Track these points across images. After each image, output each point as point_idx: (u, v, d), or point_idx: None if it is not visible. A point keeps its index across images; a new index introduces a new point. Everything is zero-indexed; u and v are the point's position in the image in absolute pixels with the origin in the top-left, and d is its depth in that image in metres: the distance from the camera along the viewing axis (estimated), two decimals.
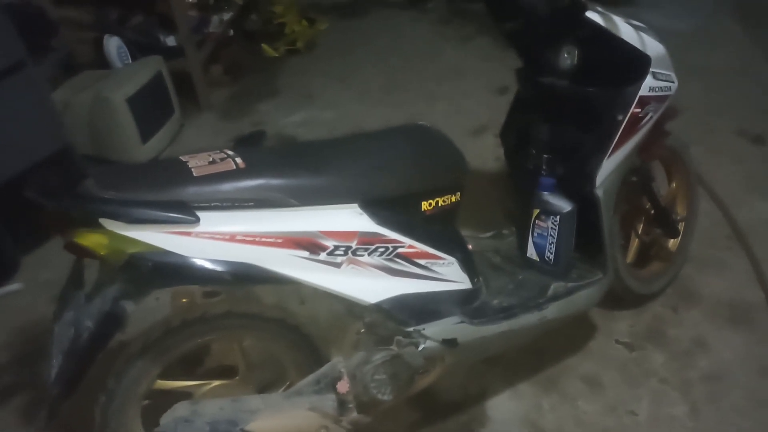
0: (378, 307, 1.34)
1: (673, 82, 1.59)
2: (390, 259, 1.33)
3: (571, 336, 1.92)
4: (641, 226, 1.93)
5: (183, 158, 1.25)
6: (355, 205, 1.29)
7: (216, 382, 1.46)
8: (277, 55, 3.84)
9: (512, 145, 1.78)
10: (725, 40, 3.73)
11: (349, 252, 1.27)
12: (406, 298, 1.37)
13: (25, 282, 2.27)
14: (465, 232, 2.05)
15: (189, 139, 3.11)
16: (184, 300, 1.46)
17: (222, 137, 3.02)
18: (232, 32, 3.72)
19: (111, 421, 1.34)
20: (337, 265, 1.27)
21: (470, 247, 1.63)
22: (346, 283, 1.29)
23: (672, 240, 2.03)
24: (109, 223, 1.11)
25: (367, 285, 1.32)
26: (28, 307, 2.13)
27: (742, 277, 2.13)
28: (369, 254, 1.30)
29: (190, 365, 1.52)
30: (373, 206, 1.31)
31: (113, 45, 3.02)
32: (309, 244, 1.23)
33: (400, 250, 1.34)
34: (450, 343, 1.43)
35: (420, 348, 1.39)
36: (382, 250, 1.31)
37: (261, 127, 3.22)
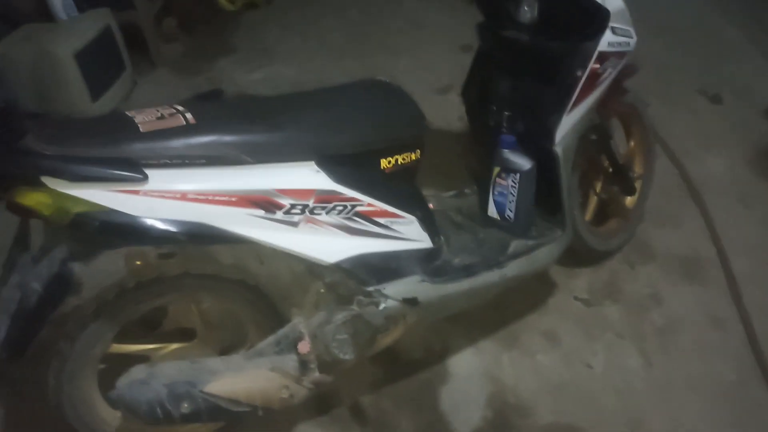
0: (337, 267, 1.32)
1: (632, 38, 1.58)
2: (349, 218, 1.31)
3: (531, 293, 1.95)
4: (599, 184, 1.95)
5: (129, 113, 1.19)
6: (312, 162, 1.26)
7: (174, 345, 1.44)
8: (233, 8, 3.67)
9: (474, 102, 1.76)
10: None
11: (306, 210, 1.25)
12: (365, 257, 1.35)
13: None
14: (427, 192, 2.04)
15: (143, 97, 2.98)
16: (138, 262, 1.42)
17: (177, 94, 2.89)
18: None
19: (65, 386, 1.32)
20: (295, 224, 1.24)
21: (431, 206, 1.62)
22: (304, 242, 1.27)
23: (629, 197, 2.06)
24: (51, 181, 1.06)
25: (326, 244, 1.30)
26: None
27: (695, 232, 2.19)
28: (327, 213, 1.28)
29: (148, 328, 1.49)
30: (331, 163, 1.28)
31: None
32: (264, 203, 1.20)
33: (358, 208, 1.32)
34: (411, 301, 1.43)
35: (381, 307, 1.39)
36: (340, 208, 1.29)
37: (219, 84, 3.12)
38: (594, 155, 1.87)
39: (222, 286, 1.38)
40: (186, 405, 1.24)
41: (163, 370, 1.29)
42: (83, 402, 1.35)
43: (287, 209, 1.22)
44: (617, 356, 1.80)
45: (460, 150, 2.23)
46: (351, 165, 1.31)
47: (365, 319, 1.39)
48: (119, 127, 1.15)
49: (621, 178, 1.93)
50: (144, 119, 1.17)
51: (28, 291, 1.12)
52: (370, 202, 1.34)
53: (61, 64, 2.53)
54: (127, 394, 1.22)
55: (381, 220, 1.37)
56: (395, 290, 1.40)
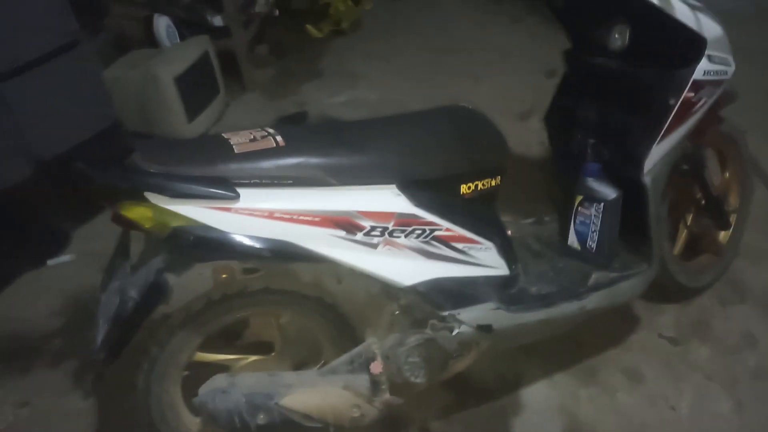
0: (413, 290, 1.33)
1: (730, 66, 1.51)
2: (427, 242, 1.32)
3: (612, 327, 1.88)
4: (691, 216, 1.85)
5: (225, 135, 1.26)
6: (393, 186, 1.28)
7: (253, 357, 1.49)
8: (321, 35, 3.84)
9: (557, 128, 1.74)
10: None
11: (386, 233, 1.27)
12: (441, 281, 1.36)
13: (75, 253, 2.36)
14: (506, 218, 2.02)
15: (233, 118, 3.15)
16: (224, 275, 1.49)
17: (265, 116, 3.05)
18: (277, 12, 3.73)
19: (153, 387, 1.39)
20: (374, 246, 1.27)
21: (510, 232, 1.61)
22: (382, 264, 1.29)
23: (723, 232, 1.95)
24: (153, 197, 1.14)
25: (403, 267, 1.31)
26: (78, 277, 2.21)
27: None
28: (406, 236, 1.29)
29: (230, 339, 1.55)
30: (411, 188, 1.30)
31: (162, 24, 3.08)
32: (346, 224, 1.23)
33: (437, 233, 1.33)
34: (485, 328, 1.41)
35: (454, 332, 1.38)
36: (419, 232, 1.30)
37: (304, 108, 3.24)
38: (686, 185, 1.79)
39: (300, 303, 1.42)
40: (262, 416, 1.29)
41: (243, 381, 1.34)
42: (168, 405, 1.42)
43: (367, 231, 1.25)
44: (705, 399, 1.69)
45: (541, 176, 2.20)
46: (431, 189, 1.33)
47: (438, 343, 1.39)
48: (216, 148, 1.22)
49: (714, 210, 1.83)
50: (239, 141, 1.24)
51: (126, 298, 1.20)
52: (448, 227, 1.34)
53: (162, 86, 2.72)
54: (209, 402, 1.28)
55: (458, 245, 1.37)
56: (470, 316, 1.39)
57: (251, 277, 1.45)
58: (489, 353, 1.69)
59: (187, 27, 3.15)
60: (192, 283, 1.42)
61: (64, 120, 2.32)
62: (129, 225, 1.18)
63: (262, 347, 1.53)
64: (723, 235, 1.96)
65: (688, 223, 1.85)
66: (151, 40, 3.14)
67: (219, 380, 1.33)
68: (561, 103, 1.72)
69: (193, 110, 2.88)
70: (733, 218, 1.94)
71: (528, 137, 2.64)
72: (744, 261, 2.06)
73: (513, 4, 3.99)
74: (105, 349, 1.21)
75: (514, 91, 3.11)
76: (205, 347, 1.45)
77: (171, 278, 1.23)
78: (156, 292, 1.21)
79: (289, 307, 1.45)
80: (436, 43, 3.72)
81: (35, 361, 1.93)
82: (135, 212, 1.16)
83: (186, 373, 1.44)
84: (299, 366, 1.52)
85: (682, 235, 1.87)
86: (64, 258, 2.36)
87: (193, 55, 2.88)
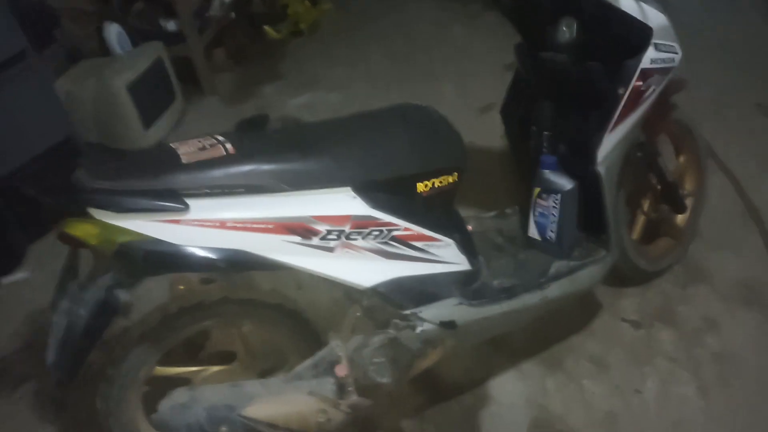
0: (374, 291, 1.32)
1: (677, 53, 1.53)
2: (385, 242, 1.31)
3: (576, 315, 1.90)
4: (648, 202, 1.88)
5: (173, 145, 1.23)
6: (348, 188, 1.27)
7: (215, 368, 1.47)
8: (280, 37, 3.80)
9: (513, 122, 1.74)
10: (744, 9, 3.61)
11: (343, 236, 1.25)
12: (402, 280, 1.35)
13: (31, 270, 2.30)
14: (468, 212, 2.04)
15: (192, 125, 3.10)
16: (181, 287, 1.46)
17: (225, 122, 2.97)
18: (233, 15, 3.68)
19: (113, 408, 1.36)
20: (331, 250, 1.25)
21: (470, 227, 1.61)
22: (341, 267, 1.27)
23: (680, 216, 1.98)
24: (98, 213, 1.11)
25: (362, 269, 1.30)
26: (34, 296, 2.15)
27: (755, 255, 2.07)
28: (363, 238, 1.28)
29: (190, 351, 1.52)
30: (367, 189, 1.28)
31: (113, 32, 3.01)
32: (301, 230, 1.21)
33: (395, 233, 1.32)
34: (448, 324, 1.41)
35: (418, 330, 1.38)
36: (376, 233, 1.29)
37: (265, 111, 3.20)
38: (641, 173, 1.82)
39: (261, 311, 1.40)
40: (225, 429, 1.27)
41: (203, 394, 1.32)
42: (130, 425, 1.39)
43: (323, 235, 1.24)
44: (670, 383, 1.71)
45: (503, 170, 2.21)
46: (387, 190, 1.32)
47: (402, 342, 1.38)
48: (163, 159, 1.19)
49: (671, 196, 1.86)
50: (187, 150, 1.21)
51: (75, 317, 1.17)
52: (406, 227, 1.33)
53: (115, 95, 2.67)
54: (169, 418, 1.26)
55: (418, 244, 1.36)
56: (432, 313, 1.39)
57: (209, 288, 1.43)
58: (456, 350, 1.70)
59: (140, 34, 3.09)
60: (153, 294, 1.40)
61: (15, 135, 2.26)
62: (75, 243, 1.15)
63: (225, 357, 1.51)
64: (680, 219, 1.99)
65: (645, 209, 1.88)
66: (103, 49, 3.06)
67: (178, 395, 1.31)
68: (516, 96, 1.73)
69: (149, 117, 2.83)
70: (690, 202, 1.97)
71: (490, 130, 2.64)
72: (703, 245, 2.10)
73: (468, 1, 4.00)
74: (57, 373, 1.18)
75: (474, 87, 3.11)
76: (166, 361, 1.42)
77: (124, 294, 1.20)
78: (107, 309, 1.18)
79: (249, 316, 1.43)
80: (396, 42, 3.71)
81: None
82: (80, 229, 1.12)
83: (147, 389, 1.41)
84: (265, 374, 1.50)
85: (640, 221, 1.90)
86: (20, 275, 2.30)
87: (146, 62, 2.83)
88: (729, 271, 2.01)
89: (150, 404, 1.36)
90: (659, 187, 1.84)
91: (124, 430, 1.38)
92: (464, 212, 2.04)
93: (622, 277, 1.92)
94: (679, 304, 1.93)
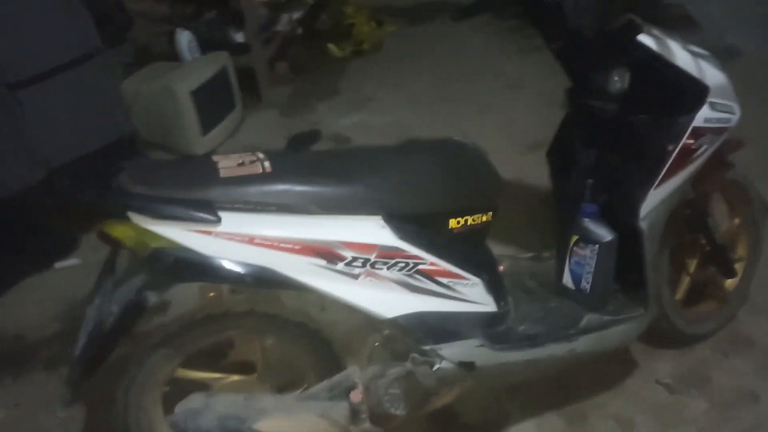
0: (394, 322, 1.32)
1: (734, 114, 1.48)
2: (410, 275, 1.31)
3: (606, 371, 1.82)
4: (694, 262, 1.80)
5: (215, 158, 1.28)
6: (379, 217, 1.28)
7: (234, 377, 1.49)
8: (342, 55, 3.88)
9: (558, 166, 1.71)
10: None
11: (368, 264, 1.26)
12: (424, 315, 1.34)
13: (82, 258, 2.40)
14: (504, 250, 2.01)
15: (248, 134, 3.20)
16: (211, 294, 1.50)
17: (280, 133, 3.07)
18: (300, 31, 3.79)
19: (131, 404, 1.39)
20: (355, 277, 1.26)
21: (502, 268, 1.59)
22: (363, 295, 1.28)
23: (729, 280, 1.89)
24: (135, 217, 1.15)
25: (384, 299, 1.30)
26: (83, 282, 2.23)
27: None
28: (388, 268, 1.28)
29: (214, 357, 1.55)
30: (397, 220, 1.29)
31: (184, 38, 3.15)
32: (327, 253, 1.23)
33: (421, 266, 1.31)
34: (467, 365, 1.39)
35: (435, 368, 1.36)
36: (402, 265, 1.29)
37: (318, 126, 3.27)
38: (689, 232, 1.75)
39: (284, 327, 1.42)
40: None
41: (218, 402, 1.34)
42: (146, 422, 1.42)
43: (348, 261, 1.25)
44: None
45: (545, 211, 2.17)
46: (418, 223, 1.32)
47: (418, 377, 1.37)
48: (202, 171, 1.24)
49: (719, 258, 1.78)
50: (226, 164, 1.25)
51: (106, 313, 1.22)
52: (433, 261, 1.33)
53: (178, 99, 2.78)
54: (182, 421, 1.28)
55: (443, 280, 1.35)
56: (452, 352, 1.37)
57: (236, 299, 1.45)
58: (475, 390, 1.67)
59: (209, 43, 3.22)
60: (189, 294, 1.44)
61: (76, 129, 2.37)
62: (112, 243, 1.20)
63: (246, 368, 1.53)
64: (729, 283, 1.90)
65: (691, 270, 1.80)
66: (173, 54, 3.21)
67: (195, 399, 1.33)
68: (562, 140, 1.70)
69: (208, 124, 2.93)
70: (740, 267, 1.88)
71: (536, 169, 2.61)
72: (753, 315, 1.99)
73: (525, 36, 3.97)
74: (81, 365, 1.23)
75: (525, 122, 3.08)
76: (189, 364, 1.45)
77: (154, 296, 1.24)
78: (135, 309, 1.22)
79: (272, 331, 1.44)
80: (451, 69, 3.73)
81: (30, 365, 1.96)
82: (118, 231, 1.17)
83: (167, 389, 1.45)
84: (282, 389, 1.51)
85: (685, 281, 1.82)
86: (72, 261, 2.40)
87: (211, 70, 2.94)
88: None
89: (169, 405, 1.39)
90: (707, 248, 1.77)
91: (140, 427, 1.42)
92: (501, 250, 2.02)
93: (660, 337, 1.85)
94: (717, 373, 1.83)
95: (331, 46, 3.87)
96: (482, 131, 3.05)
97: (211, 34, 3.26)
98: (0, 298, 2.23)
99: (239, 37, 3.31)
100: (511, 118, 3.17)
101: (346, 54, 3.90)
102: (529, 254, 1.82)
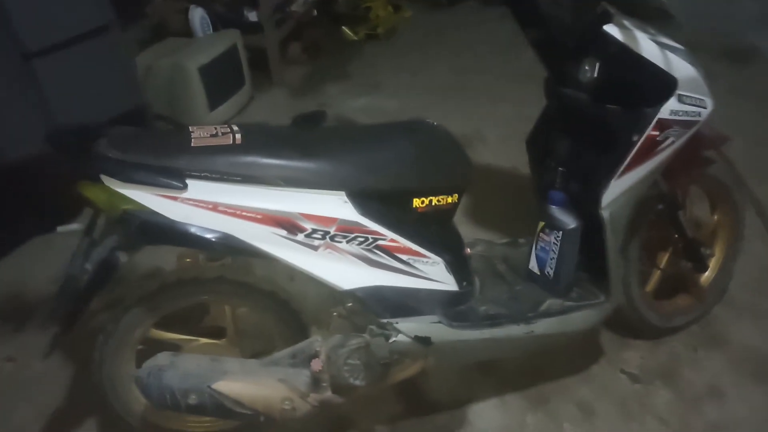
0: (352, 294, 1.37)
1: (705, 108, 1.48)
2: (369, 250, 1.36)
3: (574, 357, 1.86)
4: (665, 256, 1.81)
5: (191, 128, 1.34)
6: (342, 193, 1.33)
7: (204, 340, 1.57)
8: (356, 38, 3.92)
9: (535, 154, 1.74)
10: None
11: (327, 237, 1.32)
12: (382, 289, 1.39)
13: (83, 223, 2.50)
14: (484, 235, 2.04)
15: (256, 112, 3.27)
16: (187, 260, 1.58)
17: (288, 113, 3.10)
18: (316, 12, 3.83)
19: (106, 360, 1.48)
20: (314, 248, 1.32)
21: (469, 250, 1.63)
22: (322, 266, 1.34)
23: (705, 275, 1.90)
24: (108, 180, 1.23)
25: (343, 271, 1.36)
26: None
27: None
28: (348, 242, 1.34)
29: (190, 321, 1.63)
30: (360, 197, 1.34)
31: (197, 15, 3.22)
32: (287, 224, 1.29)
33: (380, 242, 1.36)
34: (423, 341, 1.44)
35: (390, 340, 1.41)
36: (361, 239, 1.34)
37: (326, 108, 3.32)
38: (663, 225, 1.76)
39: (254, 295, 1.48)
40: (193, 397, 1.35)
41: (183, 361, 1.41)
42: (119, 379, 1.50)
43: (308, 233, 1.30)
44: None
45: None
46: (381, 200, 1.37)
47: (373, 349, 1.42)
48: (176, 139, 1.31)
49: (691, 253, 1.79)
50: (200, 135, 1.31)
51: (81, 271, 1.30)
52: (393, 238, 1.38)
53: (187, 75, 2.86)
54: (145, 377, 1.35)
55: (403, 257, 1.40)
56: (408, 327, 1.42)
57: (209, 266, 1.53)
58: (441, 368, 1.72)
59: (222, 20, 3.29)
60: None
61: (88, 99, 2.46)
62: (87, 203, 1.28)
63: (218, 333, 1.60)
64: (704, 279, 1.91)
65: (662, 264, 1.81)
66: (187, 30, 3.29)
67: (161, 358, 1.40)
68: (542, 128, 1.72)
69: (215, 100, 3.01)
70: (715, 262, 1.88)
71: None
72: (732, 313, 1.99)
73: None
74: (56, 321, 1.32)
75: (533, 116, 3.07)
76: (163, 325, 1.53)
77: (125, 257, 1.31)
78: (107, 268, 1.30)
79: (242, 298, 1.50)
80: (464, 58, 3.74)
81: (28, 322, 2.07)
82: (91, 192, 1.25)
83: (141, 347, 1.53)
84: (251, 356, 1.58)
85: (655, 274, 1.83)
86: (74, 226, 2.51)
87: (221, 47, 3.01)
88: (748, 341, 1.91)
89: (142, 362, 1.47)
90: (680, 243, 1.77)
91: (113, 383, 1.50)
92: (482, 235, 2.06)
93: (630, 327, 1.87)
94: (685, 366, 1.85)
95: (346, 30, 3.91)
96: (492, 119, 3.06)
97: (224, 12, 3.32)
98: (3, 259, 2.35)
99: (252, 16, 3.36)
100: (521, 108, 3.16)
101: (361, 38, 3.93)
102: (506, 240, 1.85)
